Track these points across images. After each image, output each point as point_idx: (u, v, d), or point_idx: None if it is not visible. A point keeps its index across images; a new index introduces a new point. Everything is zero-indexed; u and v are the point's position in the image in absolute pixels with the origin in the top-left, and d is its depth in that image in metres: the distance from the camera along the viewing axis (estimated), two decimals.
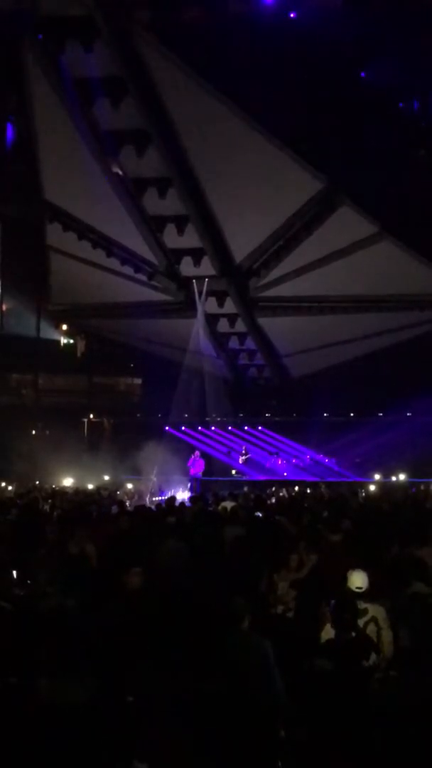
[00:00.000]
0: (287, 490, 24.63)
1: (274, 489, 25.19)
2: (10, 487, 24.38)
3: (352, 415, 31.46)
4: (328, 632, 6.85)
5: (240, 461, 30.97)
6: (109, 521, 13.72)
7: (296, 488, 25.84)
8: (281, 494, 23.64)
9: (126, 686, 5.89)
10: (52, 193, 27.47)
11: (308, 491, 24.24)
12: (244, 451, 31.18)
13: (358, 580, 7.57)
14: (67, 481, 27.25)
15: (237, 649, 6.29)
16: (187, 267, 28.79)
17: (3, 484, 25.22)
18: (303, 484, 26.98)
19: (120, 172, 26.30)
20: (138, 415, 35.09)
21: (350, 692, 5.88)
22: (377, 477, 28.17)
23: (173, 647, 5.91)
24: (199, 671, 5.79)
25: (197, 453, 28.95)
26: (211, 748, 5.29)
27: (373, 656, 6.69)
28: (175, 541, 10.32)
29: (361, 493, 23.28)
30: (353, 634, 6.60)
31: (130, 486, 26.30)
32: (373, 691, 6.14)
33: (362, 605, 7.20)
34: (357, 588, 7.49)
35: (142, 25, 22.43)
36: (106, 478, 28.14)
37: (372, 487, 25.58)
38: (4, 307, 33.26)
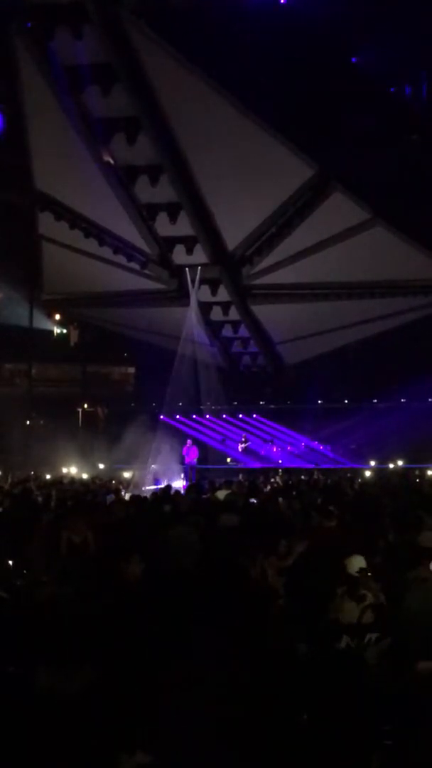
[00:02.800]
0: (281, 477, 24.64)
1: (269, 476, 25.19)
2: (9, 478, 24.35)
3: (346, 401, 31.47)
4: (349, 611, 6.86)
5: (239, 449, 30.96)
6: (104, 510, 13.71)
7: (290, 475, 25.87)
8: (273, 480, 23.65)
9: (129, 674, 5.88)
10: (43, 182, 27.34)
11: (302, 478, 24.26)
12: (243, 439, 31.18)
13: (357, 562, 7.58)
14: (62, 471, 27.23)
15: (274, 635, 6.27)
16: (179, 255, 28.74)
17: None
18: (298, 471, 26.99)
19: (111, 160, 26.20)
20: (132, 404, 35.05)
21: (343, 675, 5.88)
22: (372, 463, 28.20)
23: (196, 634, 5.89)
24: (224, 658, 5.77)
25: (190, 441, 28.93)
26: (229, 739, 5.27)
27: (345, 639, 6.69)
28: (183, 527, 10.33)
29: (357, 479, 23.30)
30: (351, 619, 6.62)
31: (126, 475, 26.29)
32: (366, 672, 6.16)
33: (362, 591, 7.22)
34: (357, 572, 7.50)
35: (132, 11, 22.31)
36: (101, 467, 28.13)
37: (367, 474, 25.61)
38: None
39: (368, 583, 7.35)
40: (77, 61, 23.62)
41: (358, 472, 25.75)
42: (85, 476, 25.57)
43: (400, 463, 27.89)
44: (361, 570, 7.52)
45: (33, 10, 22.84)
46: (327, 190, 25.09)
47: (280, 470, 27.08)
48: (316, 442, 31.24)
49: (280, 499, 13.76)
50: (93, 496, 17.45)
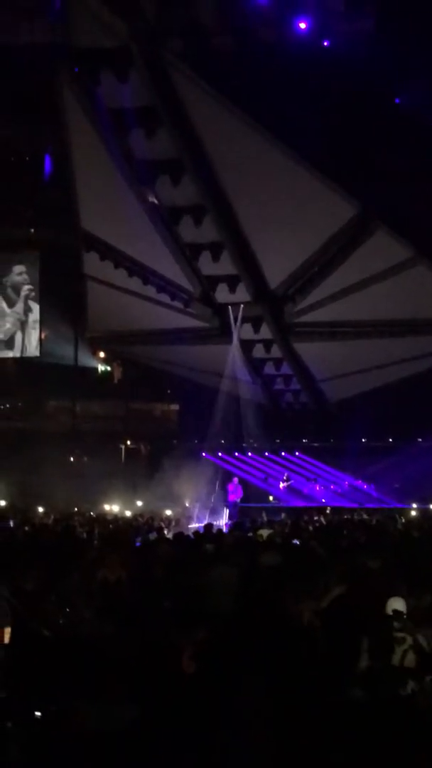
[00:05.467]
0: (324, 517, 24.45)
1: (312, 515, 25.00)
2: (49, 513, 24.47)
3: (390, 440, 31.18)
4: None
5: (281, 487, 30.80)
6: (148, 548, 13.72)
7: (331, 514, 25.66)
8: (316, 519, 23.48)
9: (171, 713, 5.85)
10: (89, 223, 27.77)
11: (346, 517, 24.05)
12: (285, 478, 31.02)
13: (395, 604, 7.47)
14: (104, 508, 27.30)
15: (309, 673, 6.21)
16: (222, 293, 28.87)
17: (41, 510, 25.34)
18: (341, 511, 26.75)
19: (155, 201, 26.52)
20: (174, 441, 35.11)
21: (386, 721, 5.79)
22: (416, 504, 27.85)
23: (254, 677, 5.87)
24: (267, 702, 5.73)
25: (236, 479, 28.87)
26: None
27: (411, 684, 6.57)
28: (224, 567, 10.28)
29: (400, 519, 23.03)
30: (389, 662, 6.52)
31: (168, 512, 26.28)
32: (412, 718, 6.04)
33: (400, 634, 7.10)
34: (393, 612, 7.39)
35: (176, 55, 22.70)
36: (143, 504, 28.14)
37: (412, 513, 25.29)
38: (42, 335, 33.69)
39: (407, 625, 7.23)
40: (122, 104, 24.03)
41: (403, 512, 25.44)
42: (128, 513, 25.61)
43: None
44: (396, 612, 7.39)
45: (79, 55, 23.35)
46: (369, 229, 25.11)
47: (328, 508, 26.88)
48: (360, 481, 30.96)
49: (312, 543, 13.59)
50: (135, 534, 17.47)
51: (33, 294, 32.42)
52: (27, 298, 32.39)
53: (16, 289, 32.73)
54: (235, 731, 5.42)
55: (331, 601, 8.65)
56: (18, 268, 32.53)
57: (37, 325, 32.86)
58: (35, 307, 32.67)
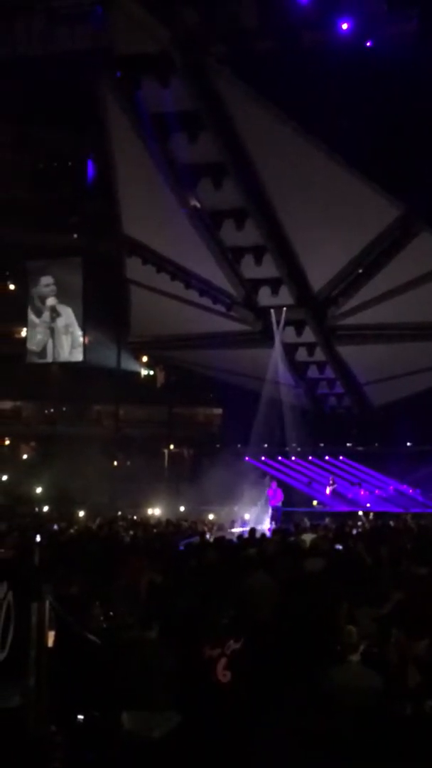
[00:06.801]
0: (368, 522, 24.21)
1: (356, 520, 24.78)
2: (93, 516, 24.56)
3: None
4: (414, 675, 6.63)
5: (327, 492, 30.57)
6: (190, 553, 13.69)
7: (373, 518, 25.41)
8: (360, 524, 23.27)
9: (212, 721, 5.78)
10: (131, 228, 27.87)
11: (391, 523, 23.78)
12: (331, 482, 30.79)
13: None
14: (148, 512, 27.35)
15: (347, 681, 6.10)
16: (264, 297, 28.78)
17: (84, 514, 25.46)
18: (386, 516, 26.46)
19: (197, 205, 26.54)
20: (217, 445, 35.06)
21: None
22: None
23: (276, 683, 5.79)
24: (302, 706, 5.64)
25: (275, 483, 28.71)
26: None
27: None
28: (262, 574, 10.18)
29: None
30: None
31: (210, 516, 26.24)
32: None
33: None
34: None
35: (217, 59, 22.69)
36: (186, 508, 28.14)
37: None
38: (86, 340, 33.96)
39: None
40: (164, 109, 24.10)
41: None
42: (171, 517, 25.60)
43: None
44: None
45: (121, 60, 23.48)
46: (413, 231, 24.89)
47: (371, 514, 26.62)
48: (406, 486, 30.60)
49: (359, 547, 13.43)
50: (179, 538, 17.46)
51: (61, 298, 33.15)
52: (53, 309, 33.25)
53: (43, 299, 33.79)
54: (270, 744, 5.33)
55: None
56: (45, 280, 33.75)
57: (69, 329, 33.53)
58: (64, 311, 33.30)
